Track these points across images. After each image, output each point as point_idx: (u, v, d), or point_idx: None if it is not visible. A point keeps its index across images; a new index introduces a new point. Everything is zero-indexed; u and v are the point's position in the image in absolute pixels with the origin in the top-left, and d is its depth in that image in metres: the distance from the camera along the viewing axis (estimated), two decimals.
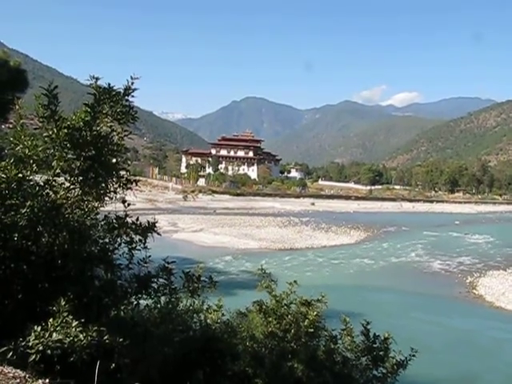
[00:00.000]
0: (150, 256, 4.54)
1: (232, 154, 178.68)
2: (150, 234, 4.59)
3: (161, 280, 4.58)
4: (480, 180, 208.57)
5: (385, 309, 24.99)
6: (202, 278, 4.96)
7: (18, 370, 3.02)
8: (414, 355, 5.99)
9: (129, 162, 5.01)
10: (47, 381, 2.97)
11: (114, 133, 4.49)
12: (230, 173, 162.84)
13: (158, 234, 4.62)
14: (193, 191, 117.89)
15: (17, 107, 4.47)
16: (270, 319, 5.94)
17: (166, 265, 4.63)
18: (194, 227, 57.16)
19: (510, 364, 19.05)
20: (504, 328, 23.74)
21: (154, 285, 4.53)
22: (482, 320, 25.18)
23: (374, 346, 6.00)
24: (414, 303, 27.74)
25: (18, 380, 2.88)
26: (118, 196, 4.65)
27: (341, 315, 6.34)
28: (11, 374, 2.94)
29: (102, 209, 4.68)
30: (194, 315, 5.56)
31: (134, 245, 4.48)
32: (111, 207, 4.70)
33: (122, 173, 4.58)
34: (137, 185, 4.66)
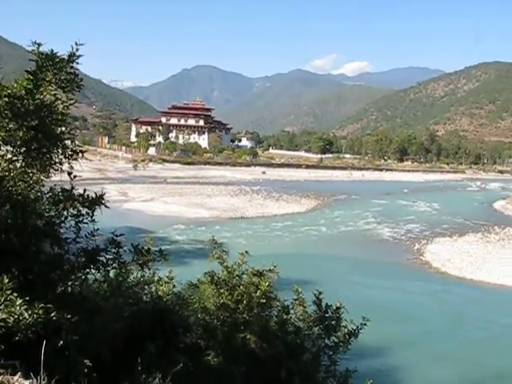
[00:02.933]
0: (97, 229, 4.40)
1: (182, 122, 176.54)
2: (97, 206, 4.44)
3: (109, 253, 4.46)
4: (428, 149, 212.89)
5: (336, 276, 25.50)
6: (151, 250, 4.85)
7: None
8: (365, 324, 6.05)
9: (76, 132, 4.82)
10: None
11: (59, 101, 4.29)
12: (180, 141, 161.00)
13: (106, 206, 4.48)
14: (143, 160, 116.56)
15: None
16: (222, 290, 5.90)
17: (115, 237, 4.50)
18: (144, 197, 56.67)
19: (455, 322, 20.56)
20: (449, 291, 24.86)
21: (102, 258, 4.41)
22: (428, 284, 26.09)
23: (326, 315, 6.03)
24: (363, 270, 28.39)
25: None
26: (66, 166, 4.47)
27: (293, 285, 6.35)
28: None
29: (48, 180, 4.51)
30: (145, 287, 5.47)
31: (81, 218, 4.33)
32: (58, 178, 4.52)
33: (68, 143, 4.40)
34: (83, 156, 4.48)
